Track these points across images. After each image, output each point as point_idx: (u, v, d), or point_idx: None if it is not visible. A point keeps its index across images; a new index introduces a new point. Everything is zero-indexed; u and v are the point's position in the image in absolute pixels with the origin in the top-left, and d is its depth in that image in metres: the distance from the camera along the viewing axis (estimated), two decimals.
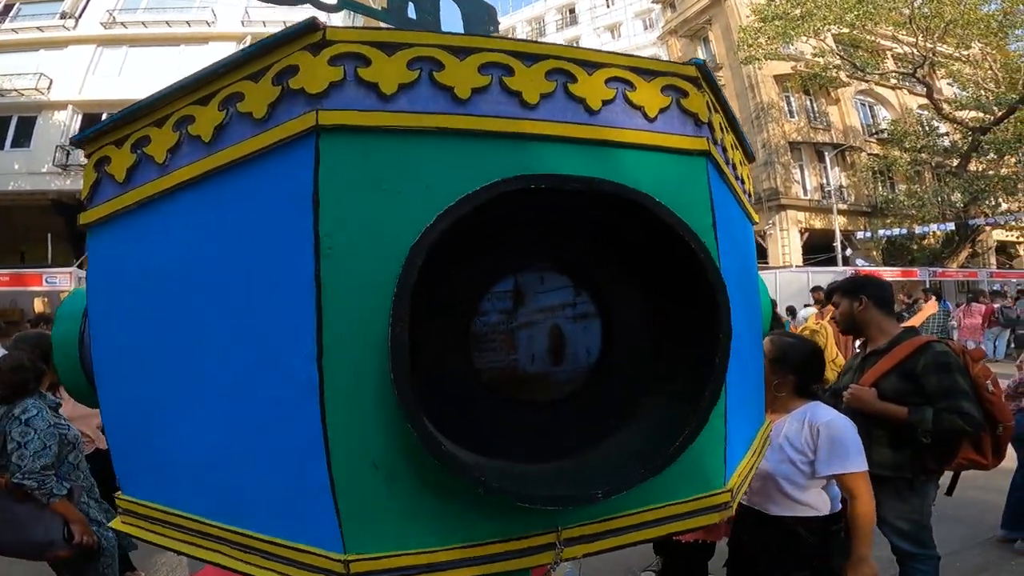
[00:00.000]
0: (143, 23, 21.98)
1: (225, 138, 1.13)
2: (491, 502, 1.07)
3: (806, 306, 12.42)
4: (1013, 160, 21.01)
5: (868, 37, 20.87)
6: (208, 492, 1.24)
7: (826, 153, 24.27)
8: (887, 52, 22.90)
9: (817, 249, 23.46)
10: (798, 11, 18.55)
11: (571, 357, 1.23)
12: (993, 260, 26.43)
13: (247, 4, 21.60)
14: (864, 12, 18.44)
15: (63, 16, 22.27)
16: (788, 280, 17.40)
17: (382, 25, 1.60)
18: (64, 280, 15.61)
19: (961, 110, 20.65)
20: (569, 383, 1.23)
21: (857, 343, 3.89)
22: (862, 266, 20.39)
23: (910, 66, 20.62)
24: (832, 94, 24.82)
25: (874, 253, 24.41)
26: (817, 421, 2.48)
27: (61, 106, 21.46)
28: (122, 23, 21.96)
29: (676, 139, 1.26)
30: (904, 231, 21.81)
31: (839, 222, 22.91)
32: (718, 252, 1.23)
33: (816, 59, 21.14)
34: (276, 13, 19.21)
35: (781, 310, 11.04)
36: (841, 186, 25.05)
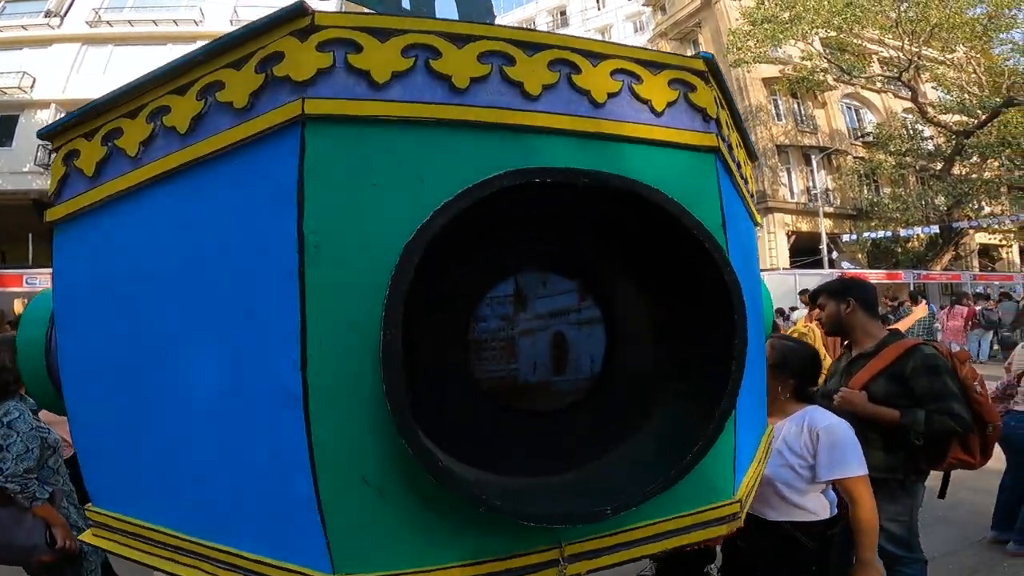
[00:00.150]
0: (129, 22, 21.86)
1: (203, 129, 1.06)
2: (490, 517, 1.00)
3: (792, 309, 12.46)
4: (996, 164, 21.30)
5: (855, 41, 21.09)
6: (185, 506, 1.17)
7: (813, 156, 24.48)
8: (873, 56, 23.16)
9: (804, 252, 23.64)
10: (787, 14, 18.70)
11: (574, 365, 1.17)
12: (976, 263, 26.80)
13: (235, 3, 21.45)
14: (851, 15, 18.63)
15: (48, 14, 22.13)
16: (776, 282, 17.51)
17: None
18: (45, 281, 15.36)
19: (945, 114, 20.92)
20: (572, 392, 1.17)
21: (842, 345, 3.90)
22: (848, 268, 20.57)
23: (895, 70, 20.85)
24: (819, 97, 25.04)
25: (859, 256, 24.64)
26: (817, 426, 2.45)
27: (44, 105, 21.18)
28: (108, 21, 21.84)
29: (684, 134, 1.22)
30: (889, 234, 22.03)
31: (825, 225, 23.10)
32: (728, 254, 1.16)
33: (804, 62, 21.32)
34: (265, 12, 19.06)
35: None
36: (827, 189, 25.27)
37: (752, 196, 1.84)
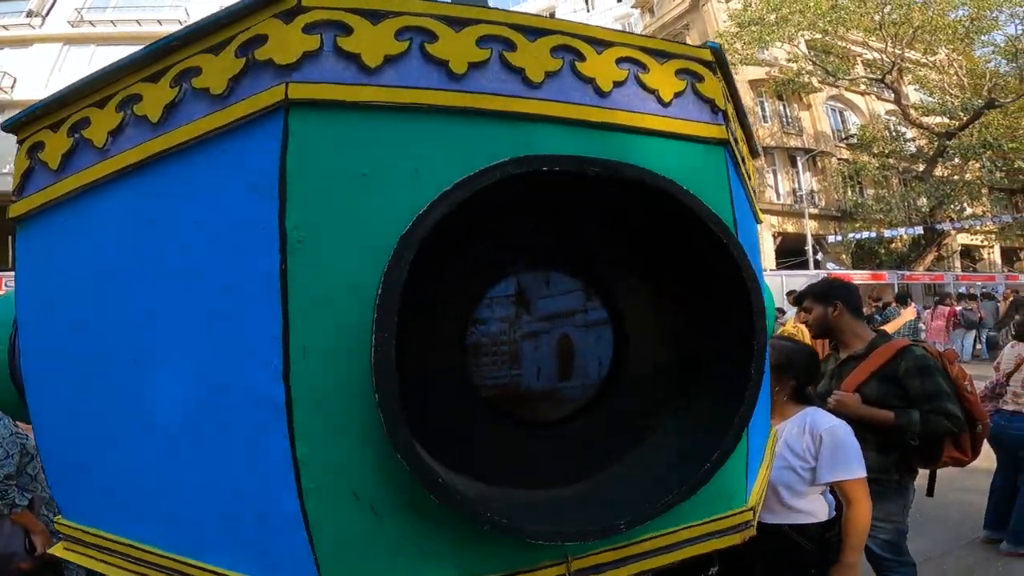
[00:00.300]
0: (112, 22, 21.73)
1: (176, 118, 0.99)
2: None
3: (781, 311, 12.52)
4: (977, 166, 21.62)
5: (839, 43, 21.31)
6: (161, 520, 1.10)
7: (798, 158, 24.69)
8: (857, 58, 23.42)
9: (789, 253, 23.82)
10: (773, 16, 18.86)
11: (581, 370, 1.10)
12: (958, 263, 27.18)
13: (221, 2, 21.29)
14: (836, 18, 18.86)
15: (29, 14, 21.97)
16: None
17: None
18: None
19: (927, 115, 21.20)
20: (578, 399, 1.10)
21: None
22: (833, 270, 20.74)
23: (879, 72, 21.09)
24: (804, 99, 25.28)
25: (844, 256, 24.89)
26: (819, 428, 2.43)
27: (25, 105, 20.89)
28: (90, 21, 21.74)
29: (693, 126, 1.17)
30: (873, 235, 22.26)
31: (811, 226, 23.30)
32: None
33: (790, 64, 21.49)
34: None
35: None
36: (812, 191, 25.51)
37: (755, 192, 1.80)
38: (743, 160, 1.51)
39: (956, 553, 4.18)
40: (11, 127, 1.22)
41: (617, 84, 1.10)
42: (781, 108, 25.75)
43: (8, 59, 21.34)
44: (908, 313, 9.18)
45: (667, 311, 1.13)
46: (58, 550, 1.31)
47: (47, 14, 22.17)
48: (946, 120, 20.56)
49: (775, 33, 19.18)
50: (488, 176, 0.90)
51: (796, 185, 25.44)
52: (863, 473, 2.40)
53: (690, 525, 1.13)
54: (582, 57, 1.08)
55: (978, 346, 14.89)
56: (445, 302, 1.06)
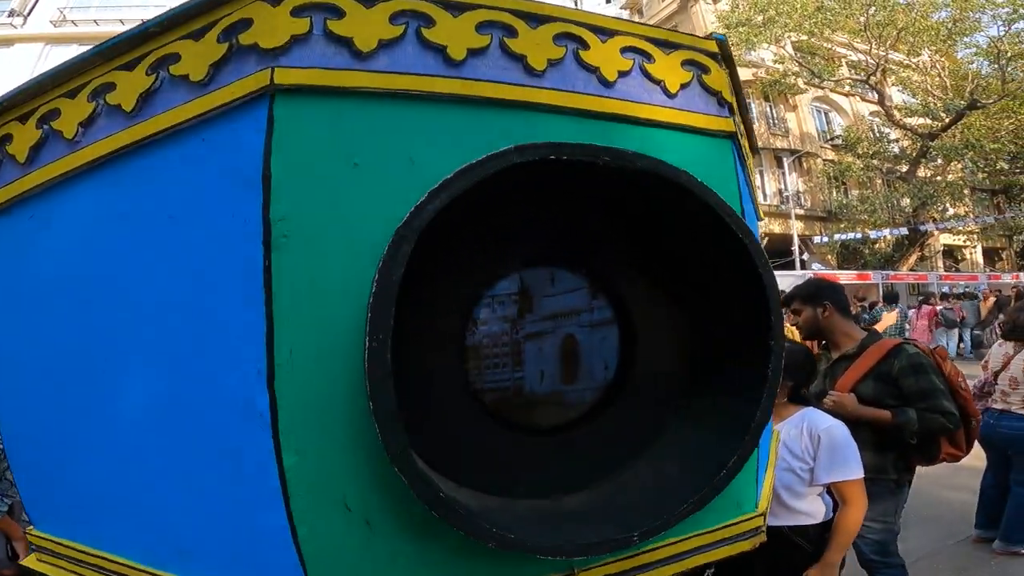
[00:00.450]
0: (95, 21, 21.48)
1: (152, 107, 0.94)
2: None
3: None
4: (959, 166, 21.90)
5: (825, 44, 21.50)
6: (139, 533, 1.05)
7: (784, 159, 24.88)
8: (842, 59, 23.65)
9: (776, 253, 23.98)
10: (760, 18, 18.99)
11: (586, 372, 1.05)
12: (940, 263, 27.53)
13: None
14: (822, 19, 19.03)
15: (11, 14, 21.76)
16: None
17: None
18: None
19: (910, 116, 21.45)
20: (584, 403, 1.04)
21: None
22: (818, 270, 20.92)
23: (863, 73, 21.30)
24: (790, 100, 25.49)
25: (829, 257, 25.11)
26: (817, 428, 2.42)
27: None
28: (73, 21, 21.62)
29: (700, 118, 1.15)
30: (859, 235, 22.47)
31: (797, 227, 23.47)
32: None
33: (776, 66, 21.64)
34: None
35: None
36: (799, 191, 25.71)
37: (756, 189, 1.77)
38: (747, 155, 1.48)
39: (948, 552, 4.18)
40: None
41: (622, 74, 1.07)
42: (767, 109, 25.94)
43: None
44: (889, 318, 9.24)
45: (676, 309, 1.08)
46: (31, 562, 1.25)
47: (29, 14, 22.00)
48: (929, 121, 20.82)
49: (762, 34, 19.32)
50: (492, 164, 0.84)
51: (782, 186, 25.65)
52: (861, 473, 2.39)
53: (700, 532, 1.09)
54: (586, 45, 1.05)
55: (962, 345, 15.06)
56: (443, 300, 1.00)
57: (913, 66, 21.56)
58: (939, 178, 22.23)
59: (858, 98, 25.93)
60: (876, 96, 21.51)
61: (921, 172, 22.22)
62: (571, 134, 0.98)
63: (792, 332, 7.84)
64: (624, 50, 1.08)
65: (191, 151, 0.89)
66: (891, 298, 13.28)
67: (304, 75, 0.86)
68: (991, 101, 18.70)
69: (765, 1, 18.92)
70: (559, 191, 0.99)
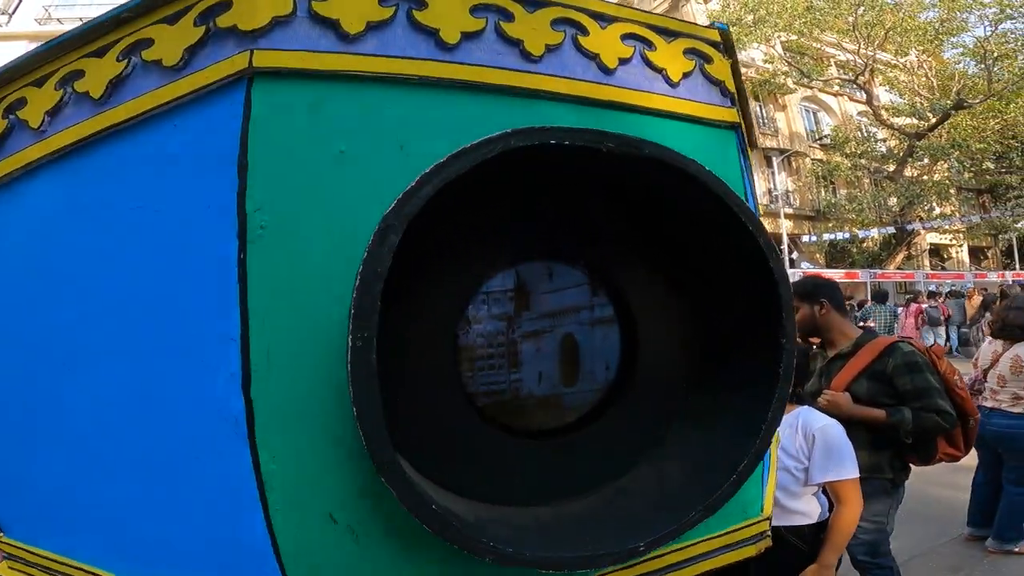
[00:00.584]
0: (81, 19, 21.23)
1: (122, 93, 0.89)
2: None
3: None
4: (946, 166, 22.12)
5: (814, 44, 21.64)
6: (112, 542, 1.00)
7: (773, 158, 25.00)
8: (831, 59, 23.81)
9: None
10: (751, 18, 19.07)
11: (587, 373, 1.00)
12: (927, 262, 27.80)
13: None
14: (811, 19, 19.15)
15: None
16: None
17: None
18: None
19: (897, 116, 21.63)
20: (584, 405, 0.99)
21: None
22: (807, 269, 21.04)
23: (852, 73, 21.45)
24: (779, 100, 25.62)
25: (818, 256, 25.28)
26: (812, 427, 2.40)
27: None
28: (58, 19, 21.49)
29: (703, 108, 1.12)
30: (847, 235, 22.63)
31: (785, 226, 23.60)
32: None
33: (766, 65, 21.74)
34: None
35: None
36: (787, 191, 25.85)
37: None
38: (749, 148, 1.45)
39: (941, 550, 4.18)
40: None
41: (623, 61, 1.04)
42: (757, 109, 26.07)
43: None
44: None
45: (680, 307, 1.03)
46: (3, 569, 1.19)
47: (14, 12, 21.78)
48: (915, 121, 21.00)
49: (752, 34, 19.40)
50: (489, 147, 0.79)
51: (771, 185, 25.77)
52: (856, 473, 2.37)
53: (705, 538, 1.05)
54: (585, 31, 1.02)
55: (948, 343, 15.20)
56: (434, 297, 0.94)
57: (901, 66, 21.76)
58: (926, 177, 22.46)
59: (846, 98, 26.13)
60: (864, 96, 21.68)
61: (908, 172, 22.42)
62: (570, 122, 0.93)
63: None
64: (625, 37, 1.05)
65: (161, 138, 0.84)
66: (880, 297, 13.38)
67: (286, 58, 0.82)
68: (977, 101, 18.90)
69: (755, 1, 19.01)
70: (558, 180, 0.94)
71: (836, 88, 24.91)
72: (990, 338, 4.60)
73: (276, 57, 0.81)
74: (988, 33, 18.48)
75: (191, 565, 0.89)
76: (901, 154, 21.85)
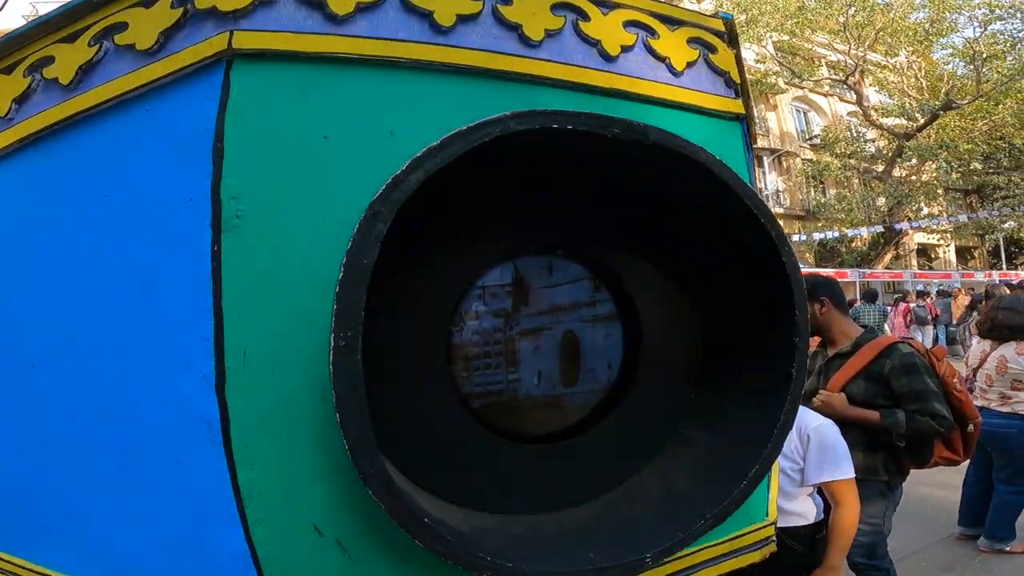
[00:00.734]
0: None
1: (92, 78, 0.84)
2: None
3: None
4: (934, 167, 22.29)
5: (805, 45, 21.73)
6: (83, 552, 0.94)
7: (765, 158, 25.09)
8: (821, 60, 23.92)
9: None
10: (743, 17, 19.11)
11: (588, 373, 0.96)
12: (914, 262, 28.02)
13: None
14: (803, 19, 19.21)
15: None
16: None
17: None
18: None
19: (887, 117, 21.76)
20: (586, 407, 0.95)
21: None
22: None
23: (842, 73, 21.55)
24: (771, 100, 25.71)
25: (807, 255, 25.42)
26: (807, 427, 2.37)
27: None
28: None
29: (707, 98, 1.09)
30: (836, 234, 22.75)
31: None
32: None
33: (758, 65, 21.81)
34: None
35: None
36: (778, 190, 25.95)
37: None
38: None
39: (933, 550, 4.19)
40: None
41: (625, 49, 1.01)
42: None
43: None
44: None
45: (686, 303, 0.99)
46: None
47: (2, 7, 21.58)
48: (904, 122, 21.16)
49: (744, 34, 19.45)
50: (487, 131, 0.75)
51: (763, 185, 25.89)
52: (852, 473, 2.34)
53: (710, 544, 1.01)
54: (586, 17, 0.98)
55: (935, 342, 15.33)
56: (426, 291, 0.89)
57: (890, 67, 21.91)
58: (914, 178, 22.63)
59: (836, 98, 26.29)
60: (854, 96, 21.80)
61: (897, 172, 22.59)
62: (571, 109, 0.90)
63: None
64: (627, 24, 1.01)
65: (132, 123, 0.80)
66: (870, 296, 13.44)
67: (269, 39, 0.77)
68: (966, 102, 19.05)
69: (748, 1, 19.06)
70: (558, 168, 0.90)
71: (827, 88, 25.07)
72: (978, 338, 4.61)
73: (258, 38, 0.76)
74: (977, 34, 18.64)
75: (172, 572, 0.84)
76: (890, 154, 22.00)
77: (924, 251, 30.32)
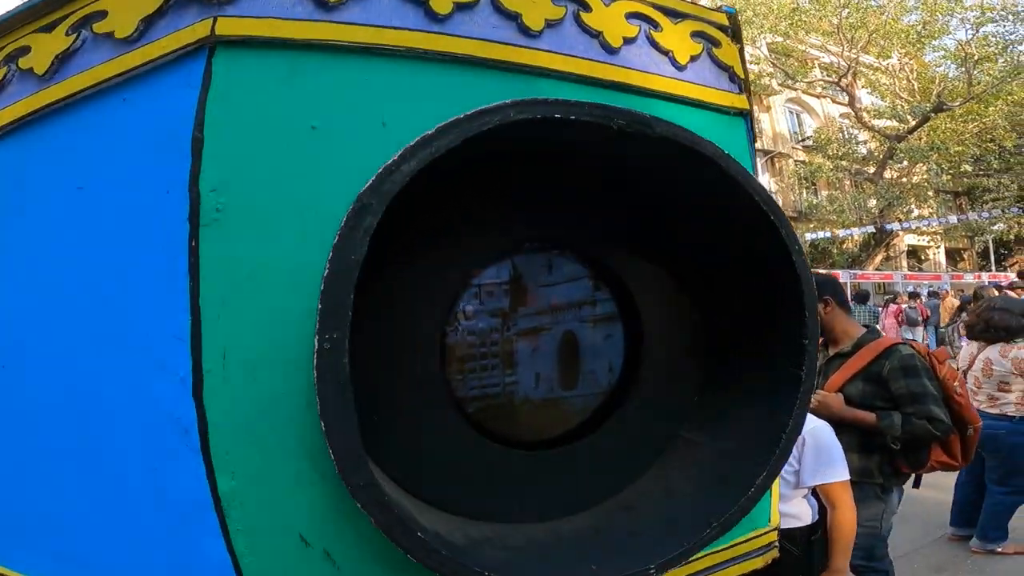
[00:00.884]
0: None
1: (68, 68, 0.81)
2: None
3: None
4: (924, 168, 22.45)
5: (799, 46, 21.82)
6: (59, 557, 0.89)
7: (757, 159, 25.14)
8: (814, 61, 24.03)
9: None
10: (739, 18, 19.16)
11: (588, 375, 0.92)
12: (904, 263, 28.21)
13: None
14: (797, 21, 19.29)
15: None
16: None
17: None
18: None
19: (879, 118, 21.89)
20: (586, 411, 0.92)
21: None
22: None
23: (835, 75, 21.65)
24: (764, 102, 25.79)
25: None
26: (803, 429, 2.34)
27: None
28: None
29: (711, 93, 1.06)
30: (828, 235, 22.87)
31: None
32: None
33: (752, 66, 21.90)
34: None
35: None
36: (771, 191, 26.06)
37: None
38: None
39: (924, 551, 4.19)
40: None
41: (627, 41, 0.98)
42: None
43: None
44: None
45: (689, 303, 0.96)
46: None
47: None
48: (896, 124, 21.29)
49: None
50: (485, 119, 0.71)
51: None
52: (847, 475, 2.33)
53: (712, 551, 0.98)
54: (587, 7, 0.95)
55: (926, 343, 15.45)
56: (419, 289, 0.86)
57: (883, 69, 22.04)
58: (905, 179, 22.78)
59: (829, 100, 26.42)
60: (846, 98, 21.92)
61: (888, 174, 22.73)
62: None
63: None
64: (630, 16, 0.99)
65: (107, 113, 0.76)
66: (861, 297, 13.51)
67: (255, 26, 0.73)
68: (957, 104, 19.18)
69: (742, 2, 19.12)
70: (557, 162, 0.86)
71: (819, 90, 25.18)
72: (967, 339, 4.63)
73: (243, 25, 0.72)
74: (969, 36, 18.77)
75: None
76: (881, 156, 22.14)
77: (914, 253, 30.54)
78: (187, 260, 0.66)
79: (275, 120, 0.72)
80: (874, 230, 21.94)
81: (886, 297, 18.11)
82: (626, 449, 0.92)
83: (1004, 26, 18.63)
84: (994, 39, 18.85)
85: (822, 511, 2.45)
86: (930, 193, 23.64)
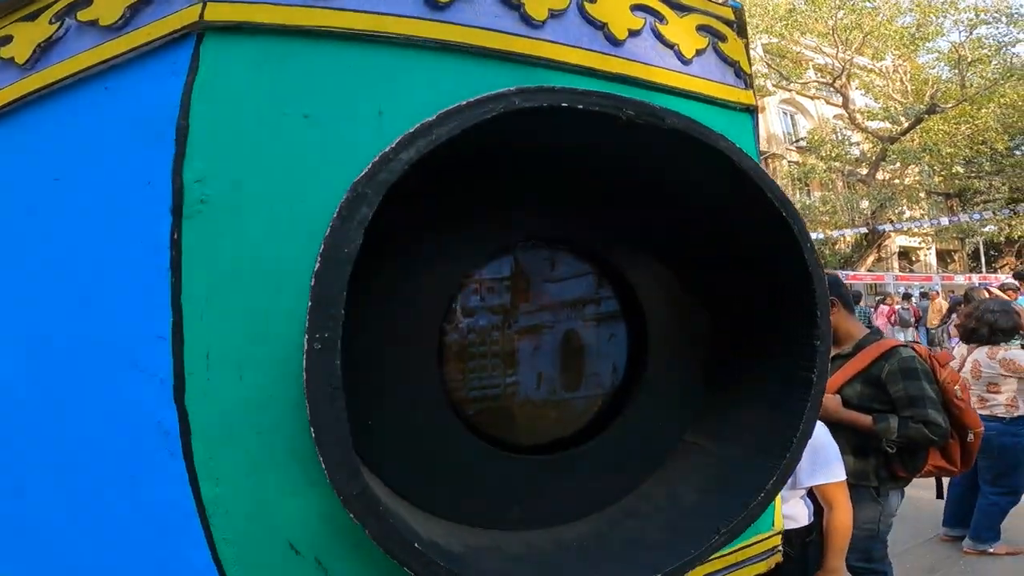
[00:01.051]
0: None
1: (50, 56, 0.77)
2: None
3: None
4: (916, 170, 22.60)
5: (793, 47, 21.90)
6: (40, 566, 0.85)
7: None
8: (809, 63, 24.13)
9: None
10: None
11: (591, 376, 0.90)
12: (896, 264, 28.38)
13: None
14: (792, 22, 19.36)
15: None
16: None
17: None
18: None
19: (872, 120, 22.00)
20: (589, 414, 0.89)
21: None
22: None
23: (829, 76, 21.74)
24: (759, 102, 25.85)
25: None
26: None
27: None
28: None
29: (717, 87, 1.04)
30: (821, 236, 22.96)
31: None
32: None
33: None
34: None
35: None
36: None
37: None
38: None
39: (917, 551, 4.20)
40: None
41: (632, 33, 0.95)
42: None
43: None
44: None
45: (695, 302, 0.93)
46: None
47: None
48: (889, 125, 21.41)
49: None
50: (487, 107, 0.68)
51: None
52: (843, 476, 2.33)
53: (717, 556, 0.95)
54: None
55: (917, 344, 15.55)
56: (415, 285, 0.83)
57: (877, 70, 22.15)
58: (897, 181, 22.92)
59: (823, 101, 26.53)
60: (840, 99, 22.01)
61: (880, 175, 22.86)
62: None
63: None
64: (635, 8, 0.96)
65: (89, 102, 0.73)
66: (854, 298, 13.57)
67: (245, 11, 0.70)
68: (950, 106, 19.30)
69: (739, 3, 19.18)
70: (559, 156, 0.83)
71: (813, 91, 25.30)
72: (958, 341, 4.64)
73: (233, 10, 0.69)
74: (963, 38, 18.88)
75: None
76: (874, 157, 22.27)
77: (905, 254, 30.73)
78: (169, 255, 0.62)
79: (266, 108, 0.69)
80: (866, 231, 22.06)
81: (877, 298, 18.20)
82: (630, 453, 0.90)
83: (998, 28, 18.77)
84: (988, 41, 18.99)
85: (817, 512, 2.45)
86: (922, 195, 23.80)
